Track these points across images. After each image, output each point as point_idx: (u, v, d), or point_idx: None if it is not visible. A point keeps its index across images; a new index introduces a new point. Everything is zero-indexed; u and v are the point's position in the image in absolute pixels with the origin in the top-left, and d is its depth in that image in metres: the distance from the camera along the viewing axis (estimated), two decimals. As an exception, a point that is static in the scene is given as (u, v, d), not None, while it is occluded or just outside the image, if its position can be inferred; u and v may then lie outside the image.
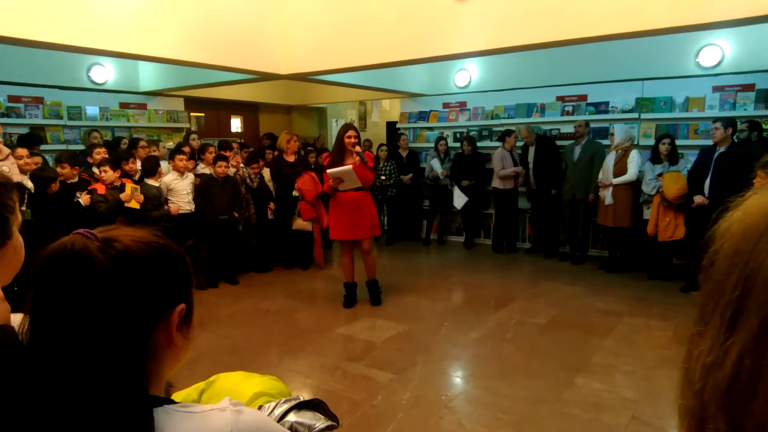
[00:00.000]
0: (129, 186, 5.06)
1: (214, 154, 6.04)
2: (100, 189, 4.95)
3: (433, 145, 7.88)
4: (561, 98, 7.32)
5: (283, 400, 0.96)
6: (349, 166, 4.71)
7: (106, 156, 5.41)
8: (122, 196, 4.96)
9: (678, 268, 5.72)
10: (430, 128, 8.50)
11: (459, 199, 7.35)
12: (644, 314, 4.76)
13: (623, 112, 6.79)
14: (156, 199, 5.37)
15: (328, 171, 4.78)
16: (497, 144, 7.33)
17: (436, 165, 7.62)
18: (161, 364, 0.75)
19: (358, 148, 4.85)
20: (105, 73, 7.21)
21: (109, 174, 5.00)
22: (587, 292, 5.45)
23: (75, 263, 0.67)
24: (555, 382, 3.48)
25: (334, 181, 4.77)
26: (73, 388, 0.66)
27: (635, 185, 5.94)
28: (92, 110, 7.24)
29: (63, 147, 6.65)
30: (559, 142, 7.03)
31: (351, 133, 4.90)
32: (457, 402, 3.29)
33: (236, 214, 5.87)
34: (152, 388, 0.74)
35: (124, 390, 0.68)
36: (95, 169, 5.34)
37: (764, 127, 5.80)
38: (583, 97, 7.16)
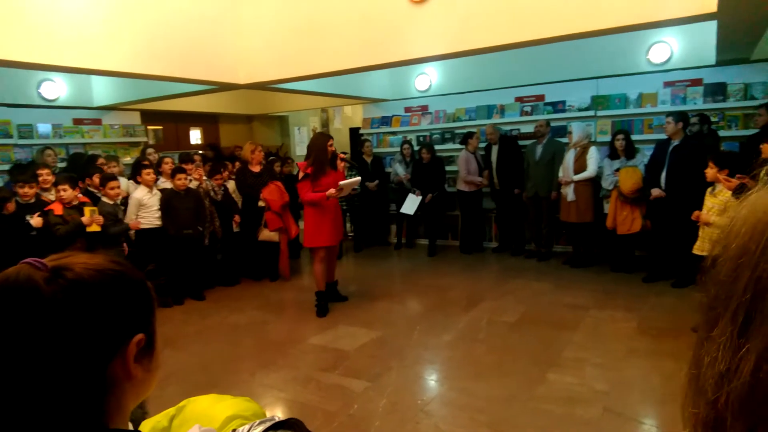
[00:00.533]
0: (87, 210, 4.89)
1: (170, 165, 5.92)
2: (57, 209, 4.77)
3: (396, 149, 7.92)
4: (520, 99, 7.45)
5: (258, 422, 0.90)
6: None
7: (50, 177, 5.21)
8: (83, 220, 4.81)
9: (639, 260, 5.88)
10: (393, 133, 8.54)
11: (409, 205, 7.28)
12: (610, 307, 4.87)
13: (580, 110, 6.96)
14: (113, 215, 5.21)
15: (342, 183, 4.88)
16: (460, 147, 7.42)
17: (399, 169, 7.67)
18: (122, 397, 0.70)
19: (342, 155, 5.13)
20: (56, 89, 6.99)
21: (69, 192, 4.83)
22: (554, 288, 5.56)
23: (18, 295, 0.63)
24: (528, 378, 3.53)
25: (338, 192, 4.88)
26: (25, 428, 0.62)
27: (595, 181, 6.08)
28: (44, 128, 7.00)
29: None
30: (520, 142, 7.15)
31: (331, 141, 5.05)
32: (433, 405, 3.29)
33: (200, 228, 5.76)
34: (114, 422, 0.70)
35: (80, 427, 0.65)
36: (47, 194, 5.14)
37: (713, 119, 6.04)
38: (541, 97, 7.31)
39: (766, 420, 0.38)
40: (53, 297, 0.64)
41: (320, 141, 5.02)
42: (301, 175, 4.98)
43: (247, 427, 0.85)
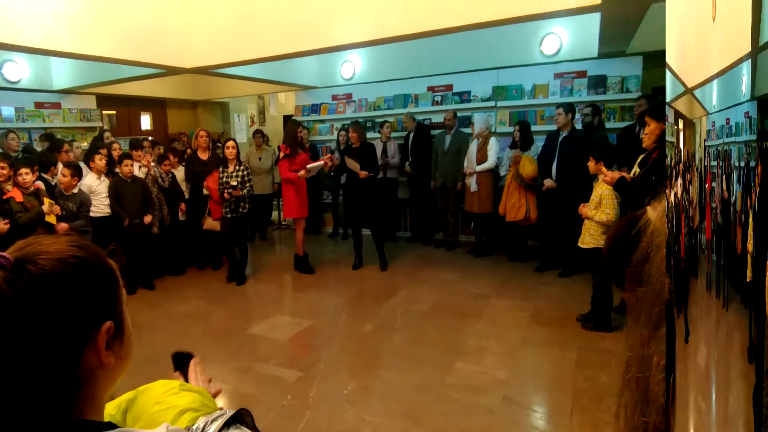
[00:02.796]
0: (46, 200, 4.15)
1: (103, 161, 4.89)
2: (17, 197, 3.95)
3: (326, 137, 7.20)
4: (431, 88, 6.79)
5: (212, 418, 0.74)
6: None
7: (5, 171, 4.33)
8: (44, 208, 4.06)
9: (532, 250, 5.48)
10: (322, 121, 7.75)
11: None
12: (508, 296, 4.54)
13: (482, 100, 6.38)
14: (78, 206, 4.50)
15: (309, 166, 5.21)
16: (377, 135, 6.72)
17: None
18: (95, 386, 0.59)
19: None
20: (19, 70, 5.87)
21: (30, 176, 4.06)
22: (460, 278, 5.11)
23: None
24: (439, 367, 3.28)
25: (307, 172, 5.22)
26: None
27: (496, 172, 5.58)
28: (8, 111, 5.96)
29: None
30: (433, 131, 6.49)
31: (301, 128, 5.46)
32: (356, 395, 3.00)
33: (150, 217, 5.01)
34: (87, 412, 0.58)
35: (55, 422, 0.54)
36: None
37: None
38: (449, 87, 6.68)
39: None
40: (15, 296, 0.53)
41: (291, 128, 5.36)
42: (281, 156, 5.22)
43: (201, 423, 0.73)
